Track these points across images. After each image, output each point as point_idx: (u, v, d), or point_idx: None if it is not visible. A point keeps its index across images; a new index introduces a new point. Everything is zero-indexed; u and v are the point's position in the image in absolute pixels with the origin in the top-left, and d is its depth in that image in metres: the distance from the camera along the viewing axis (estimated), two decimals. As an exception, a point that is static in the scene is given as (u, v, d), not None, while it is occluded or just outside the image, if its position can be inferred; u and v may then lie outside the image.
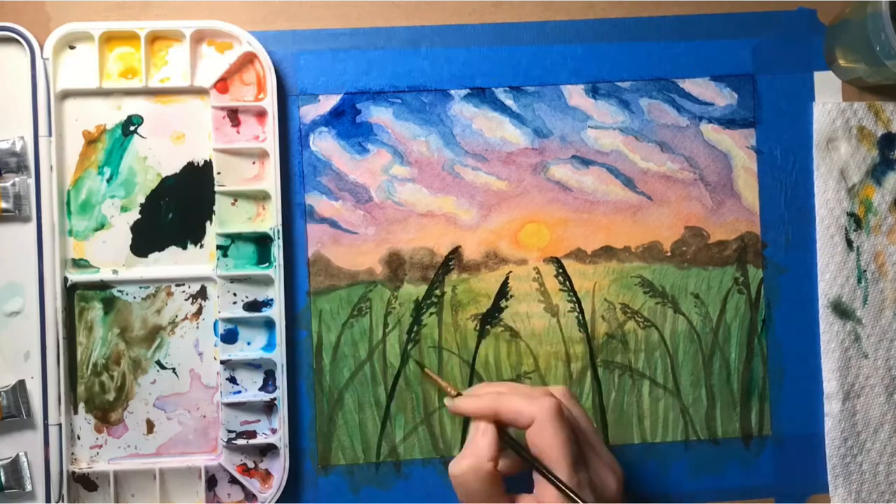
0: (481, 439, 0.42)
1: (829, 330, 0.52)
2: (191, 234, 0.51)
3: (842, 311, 0.53)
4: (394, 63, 0.52)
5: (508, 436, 0.43)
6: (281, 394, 0.49)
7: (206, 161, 0.50)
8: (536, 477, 0.41)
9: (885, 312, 0.53)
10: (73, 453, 0.50)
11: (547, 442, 0.40)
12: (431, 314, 0.52)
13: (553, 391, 0.43)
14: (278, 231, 0.49)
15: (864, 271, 0.53)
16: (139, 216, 0.50)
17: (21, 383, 0.49)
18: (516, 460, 0.44)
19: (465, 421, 0.52)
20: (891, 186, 0.53)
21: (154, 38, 0.50)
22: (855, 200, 0.53)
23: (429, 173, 0.52)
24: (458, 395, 0.45)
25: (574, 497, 0.39)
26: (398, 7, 0.52)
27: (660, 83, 0.53)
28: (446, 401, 0.45)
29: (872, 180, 0.53)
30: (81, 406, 0.50)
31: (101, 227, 0.50)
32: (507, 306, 0.52)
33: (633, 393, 0.52)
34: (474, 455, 0.41)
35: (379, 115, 0.52)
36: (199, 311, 0.50)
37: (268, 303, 0.50)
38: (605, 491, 0.42)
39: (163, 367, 0.50)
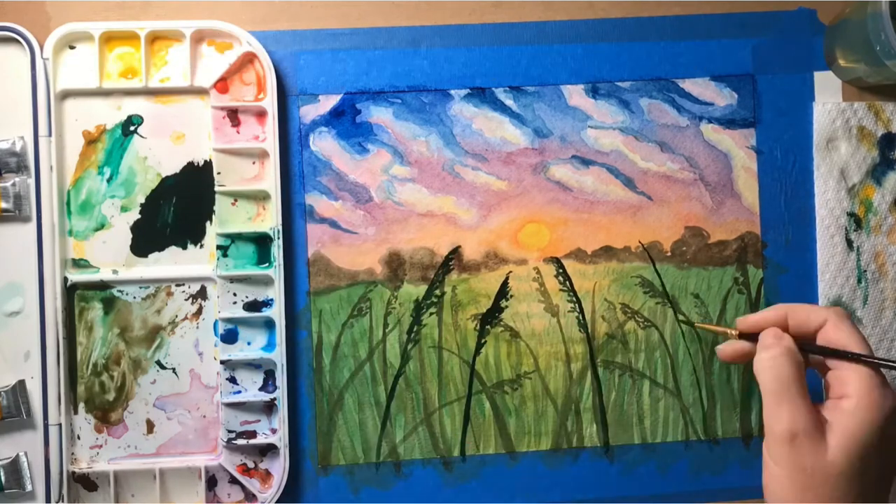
0: (778, 341, 0.42)
1: (830, 330, 0.52)
2: (191, 234, 0.51)
3: (842, 311, 0.53)
4: (394, 63, 0.52)
5: (800, 340, 0.43)
6: (281, 394, 0.49)
7: (206, 161, 0.50)
8: (831, 378, 0.41)
9: (886, 312, 0.53)
10: (73, 453, 0.50)
11: (848, 337, 0.41)
12: (431, 314, 0.52)
13: (826, 309, 0.44)
14: (278, 231, 0.49)
15: (865, 271, 0.53)
16: (139, 216, 0.50)
17: (21, 383, 0.49)
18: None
19: (465, 421, 0.52)
20: (891, 186, 0.53)
21: (154, 38, 0.50)
22: (855, 200, 0.53)
23: (429, 173, 0.52)
24: (734, 328, 0.45)
25: (889, 364, 0.40)
26: (398, 7, 0.52)
27: (660, 83, 0.53)
28: (720, 347, 0.45)
29: (872, 180, 0.53)
30: (81, 406, 0.50)
31: (101, 227, 0.50)
32: (507, 306, 0.52)
33: (633, 393, 0.52)
34: (781, 344, 0.42)
35: (379, 115, 0.52)
36: (199, 311, 0.50)
37: (268, 303, 0.50)
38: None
39: (163, 367, 0.50)
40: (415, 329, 0.52)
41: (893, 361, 0.40)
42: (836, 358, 0.41)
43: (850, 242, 0.53)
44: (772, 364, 0.41)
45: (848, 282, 0.53)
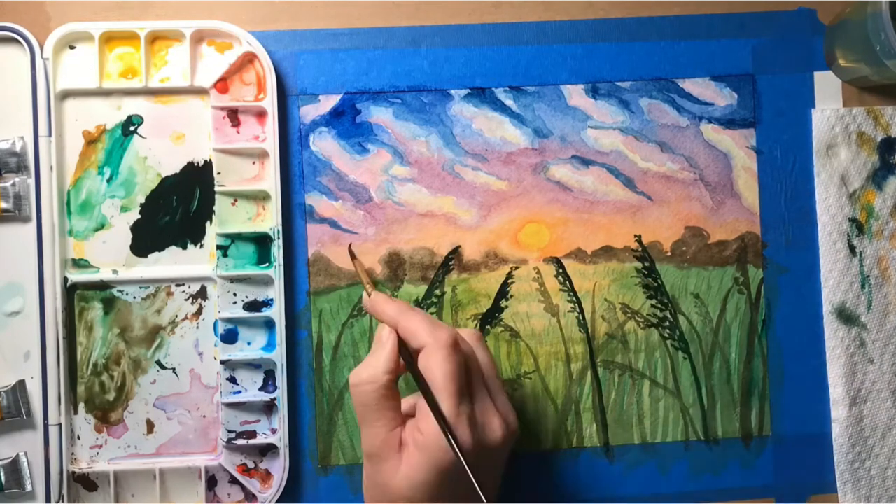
0: (380, 350, 0.42)
1: (834, 336, 0.52)
2: (191, 234, 0.51)
3: (846, 316, 0.52)
4: (394, 63, 0.52)
5: (408, 352, 0.42)
6: (281, 394, 0.49)
7: (206, 161, 0.50)
8: (419, 405, 0.41)
9: (890, 317, 0.53)
10: (73, 453, 0.50)
11: (433, 370, 0.40)
12: (432, 314, 0.52)
13: (462, 332, 0.43)
14: (278, 231, 0.49)
15: (868, 276, 0.53)
16: (139, 216, 0.50)
17: (21, 383, 0.49)
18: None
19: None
20: (892, 191, 0.53)
21: (154, 38, 0.50)
22: (856, 206, 0.53)
23: (429, 173, 0.52)
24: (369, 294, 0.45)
25: (445, 429, 0.39)
26: (398, 7, 0.52)
27: (660, 83, 0.53)
28: (364, 297, 0.45)
29: (873, 185, 0.53)
30: (81, 406, 0.50)
31: (101, 227, 0.50)
32: (507, 306, 0.52)
33: (633, 393, 0.52)
34: (373, 366, 0.42)
35: (379, 115, 0.52)
36: (199, 311, 0.50)
37: (268, 303, 0.50)
38: (486, 432, 0.41)
39: (163, 367, 0.50)
40: (415, 329, 0.52)
41: (448, 425, 0.39)
42: (418, 387, 0.41)
43: (852, 248, 0.53)
44: (355, 390, 0.41)
45: (851, 287, 0.53)
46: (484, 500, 0.39)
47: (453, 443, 0.39)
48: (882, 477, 0.52)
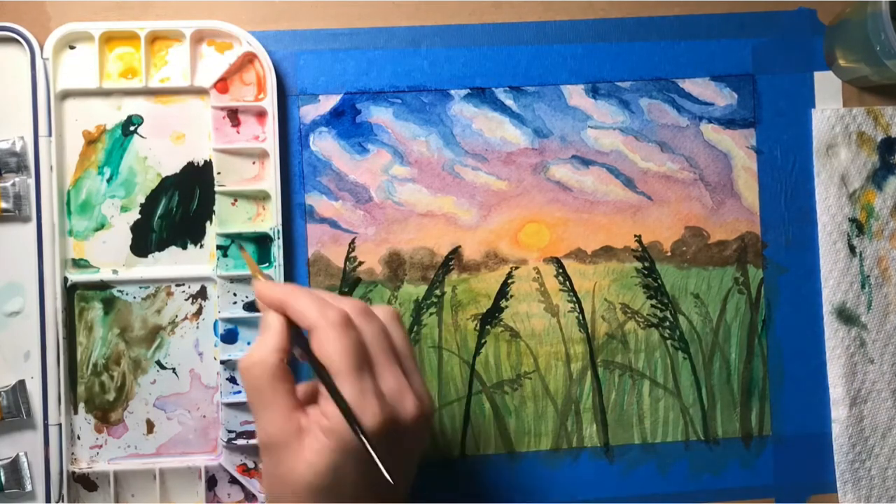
0: (266, 332, 0.40)
1: (835, 336, 0.52)
2: (191, 234, 0.51)
3: (846, 317, 0.52)
4: (394, 63, 0.52)
5: (299, 334, 0.40)
6: (281, 394, 0.49)
7: (206, 161, 0.50)
8: (321, 388, 0.38)
9: (890, 317, 0.53)
10: (73, 453, 0.50)
11: (327, 348, 0.38)
12: (431, 314, 0.52)
13: (376, 308, 0.41)
14: (278, 231, 0.49)
15: (868, 276, 0.53)
16: (139, 216, 0.50)
17: (21, 383, 0.49)
18: (316, 385, 0.40)
19: (465, 421, 0.52)
20: (892, 191, 0.53)
21: (154, 38, 0.50)
22: (856, 206, 0.53)
23: (429, 173, 0.52)
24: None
25: (346, 409, 0.37)
26: (398, 7, 0.52)
27: (660, 83, 0.53)
28: (253, 282, 0.43)
29: (873, 185, 0.53)
30: (81, 406, 0.50)
31: (101, 227, 0.50)
32: (507, 306, 0.52)
33: (633, 393, 0.52)
34: (262, 346, 0.39)
35: (379, 115, 0.52)
36: (199, 311, 0.50)
37: (268, 303, 0.50)
38: (399, 409, 0.38)
39: (163, 367, 0.50)
40: (415, 329, 0.52)
41: (347, 406, 0.37)
42: (316, 373, 0.38)
43: (852, 248, 0.53)
44: (246, 373, 0.39)
45: (852, 287, 0.53)
46: (389, 478, 0.36)
47: (354, 423, 0.36)
48: (882, 477, 0.52)
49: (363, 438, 0.36)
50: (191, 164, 0.51)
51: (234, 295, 0.50)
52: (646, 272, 0.52)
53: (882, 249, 0.53)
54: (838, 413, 0.52)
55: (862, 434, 0.52)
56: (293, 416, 0.38)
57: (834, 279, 0.53)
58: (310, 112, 0.52)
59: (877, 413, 0.53)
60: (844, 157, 0.53)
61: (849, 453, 0.52)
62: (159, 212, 0.50)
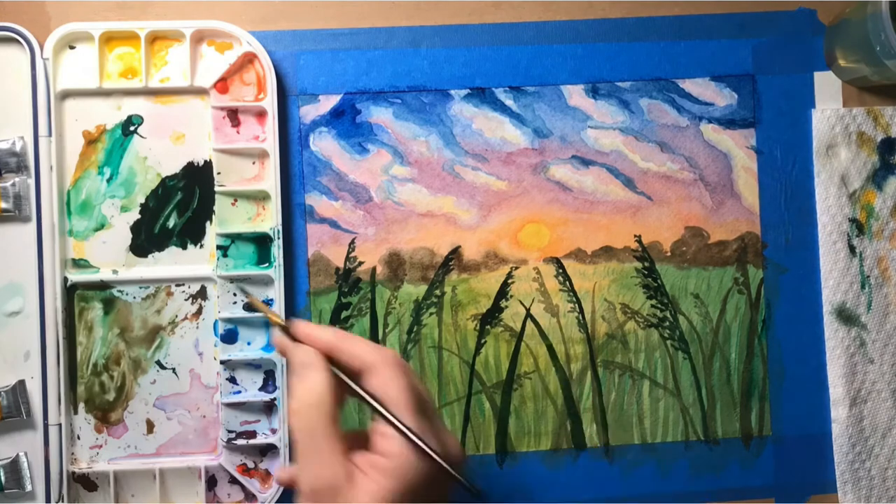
0: (313, 373, 0.38)
1: (835, 336, 0.52)
2: (191, 234, 0.51)
3: (846, 317, 0.52)
4: (394, 63, 0.52)
5: (343, 375, 0.39)
6: (281, 394, 0.49)
7: (206, 161, 0.50)
8: (375, 430, 0.38)
9: (890, 317, 0.53)
10: (73, 453, 0.50)
11: (388, 386, 0.37)
12: (431, 314, 0.52)
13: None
14: (278, 231, 0.49)
15: (868, 277, 0.53)
16: (139, 216, 0.50)
17: (21, 383, 0.49)
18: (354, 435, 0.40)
19: (465, 421, 0.52)
20: (892, 191, 0.53)
21: (154, 38, 0.50)
22: (856, 206, 0.53)
23: (429, 173, 0.52)
24: (286, 324, 0.41)
25: (417, 437, 0.37)
26: (398, 7, 0.52)
27: (660, 83, 0.53)
28: (275, 333, 0.41)
29: (873, 185, 0.53)
30: (81, 406, 0.50)
31: (101, 227, 0.50)
32: (507, 306, 0.52)
33: (633, 393, 0.52)
34: (315, 389, 0.38)
35: (379, 115, 0.52)
36: (199, 311, 0.50)
37: (268, 303, 0.50)
38: (448, 448, 0.38)
39: (163, 367, 0.50)
40: (415, 329, 0.52)
41: (417, 436, 0.37)
42: (372, 408, 0.38)
43: (852, 248, 0.53)
44: (300, 414, 0.38)
45: (851, 287, 0.53)
46: (479, 489, 0.37)
47: (428, 447, 0.37)
48: (882, 477, 0.52)
49: (438, 458, 0.37)
50: (191, 164, 0.51)
51: (234, 295, 0.50)
52: (646, 272, 0.52)
53: (882, 249, 0.53)
54: (838, 413, 0.52)
55: (862, 434, 0.52)
56: (345, 460, 0.37)
57: (834, 279, 0.52)
58: (310, 112, 0.52)
59: (877, 413, 0.53)
60: (844, 157, 0.53)
61: (849, 453, 0.52)
62: (159, 212, 0.50)
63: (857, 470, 0.52)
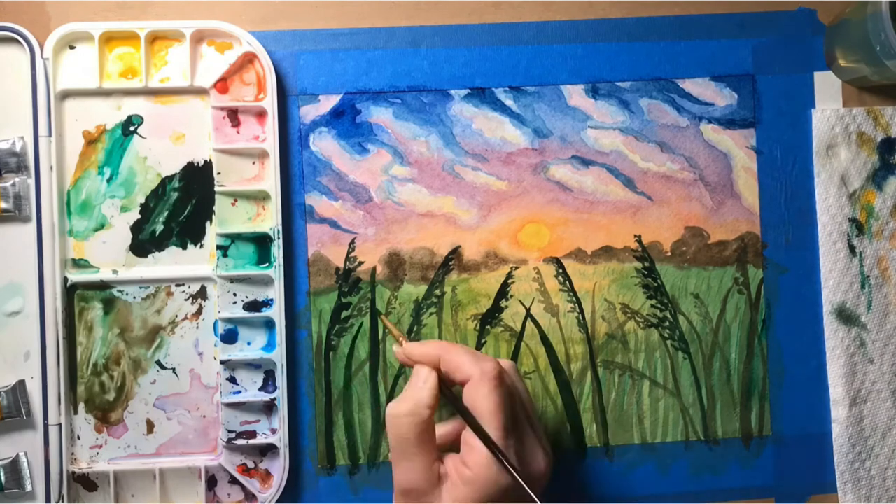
0: (422, 385, 0.42)
1: (834, 336, 0.52)
2: (191, 234, 0.51)
3: (846, 317, 0.52)
4: (394, 63, 0.52)
5: (448, 388, 0.43)
6: (281, 394, 0.49)
7: (206, 161, 0.50)
8: (464, 438, 0.41)
9: (890, 317, 0.53)
10: (73, 453, 0.50)
11: (481, 402, 0.41)
12: (431, 314, 0.52)
13: (501, 362, 0.43)
14: (278, 231, 0.49)
15: (868, 277, 0.53)
16: (139, 216, 0.50)
17: (21, 383, 0.49)
18: (453, 429, 0.45)
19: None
20: (892, 191, 0.53)
21: (154, 38, 0.50)
22: (856, 206, 0.53)
23: (429, 173, 0.52)
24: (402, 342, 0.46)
25: (500, 455, 0.40)
26: (398, 7, 0.52)
27: (660, 83, 0.53)
28: (394, 347, 0.46)
29: (873, 185, 0.53)
30: (81, 406, 0.50)
31: (101, 227, 0.50)
32: (507, 306, 0.52)
33: (633, 393, 0.52)
34: (413, 400, 0.42)
35: (379, 115, 0.52)
36: (199, 311, 0.50)
37: (268, 303, 0.50)
38: (531, 466, 0.42)
39: (163, 367, 0.50)
40: (415, 329, 0.52)
41: (501, 452, 0.40)
42: (465, 420, 0.42)
43: (852, 248, 0.53)
44: (395, 422, 0.42)
45: (851, 287, 0.53)
46: None
47: (509, 466, 0.40)
48: (882, 477, 0.52)
49: (518, 477, 0.40)
50: (191, 164, 0.51)
51: (234, 295, 0.50)
52: (646, 272, 0.52)
53: (882, 249, 0.53)
54: (838, 413, 0.52)
55: (862, 434, 0.52)
56: (435, 466, 0.41)
57: (834, 279, 0.53)
58: (310, 112, 0.52)
59: (877, 413, 0.53)
60: (844, 158, 0.53)
61: (849, 453, 0.52)
62: (159, 212, 0.50)
63: (857, 470, 0.52)
